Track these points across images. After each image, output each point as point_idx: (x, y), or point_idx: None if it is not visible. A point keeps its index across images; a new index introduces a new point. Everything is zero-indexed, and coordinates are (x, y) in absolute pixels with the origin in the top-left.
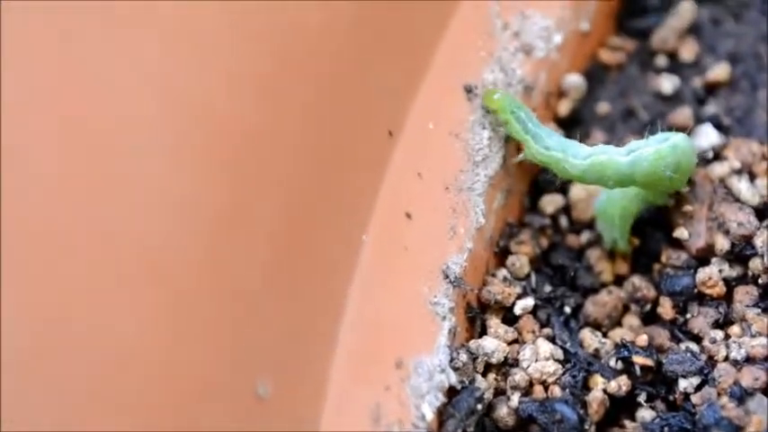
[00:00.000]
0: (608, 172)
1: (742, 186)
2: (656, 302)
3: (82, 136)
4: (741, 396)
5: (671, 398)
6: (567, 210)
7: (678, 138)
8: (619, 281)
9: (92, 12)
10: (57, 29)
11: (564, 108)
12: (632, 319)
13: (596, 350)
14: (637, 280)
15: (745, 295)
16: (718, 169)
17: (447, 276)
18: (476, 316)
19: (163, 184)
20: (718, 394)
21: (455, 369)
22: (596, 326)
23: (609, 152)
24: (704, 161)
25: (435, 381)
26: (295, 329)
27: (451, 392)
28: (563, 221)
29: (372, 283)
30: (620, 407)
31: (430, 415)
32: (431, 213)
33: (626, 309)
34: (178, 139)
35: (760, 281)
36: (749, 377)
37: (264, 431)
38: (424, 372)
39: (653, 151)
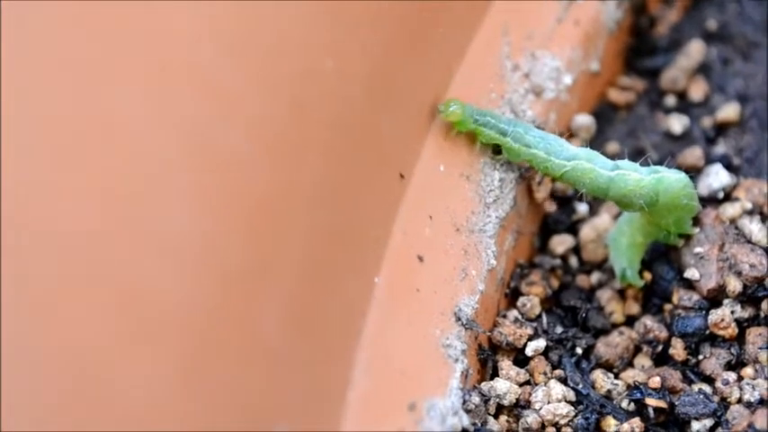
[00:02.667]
0: (585, 179)
1: (754, 227)
2: (667, 343)
3: (95, 175)
4: None
5: None
6: (577, 250)
7: (670, 174)
8: (630, 321)
9: (112, 48)
10: (73, 71)
11: None
12: (644, 360)
13: (608, 392)
14: (648, 321)
15: (757, 337)
16: (730, 210)
17: (459, 318)
18: (487, 357)
19: (178, 233)
20: None
21: (467, 411)
22: (608, 367)
23: (594, 161)
24: (715, 201)
25: (448, 424)
26: (309, 374)
27: None
28: (573, 262)
29: (385, 326)
30: None
31: None
32: (442, 255)
33: (637, 350)
34: (196, 186)
35: None
36: (763, 419)
37: None
38: (437, 414)
39: (635, 178)
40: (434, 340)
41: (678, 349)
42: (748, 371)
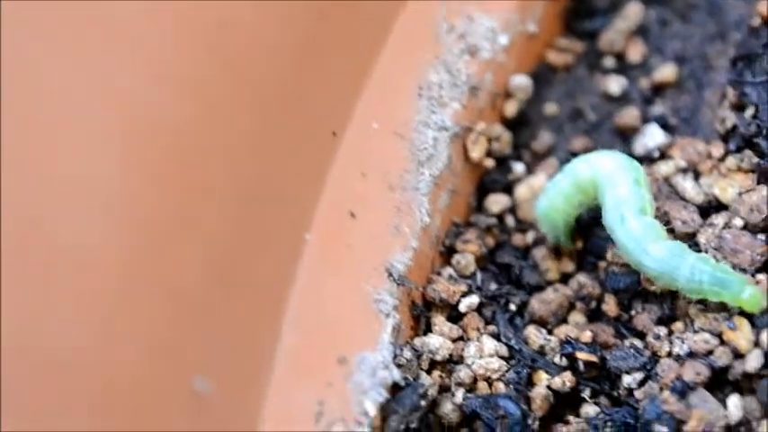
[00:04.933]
0: None
1: (687, 185)
2: (601, 300)
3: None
4: (683, 391)
5: (615, 394)
6: (513, 210)
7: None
8: (565, 279)
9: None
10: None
11: (511, 109)
12: (578, 317)
13: (541, 347)
14: (582, 278)
15: None
16: (663, 168)
17: (391, 275)
18: (420, 314)
19: (97, 181)
20: (661, 389)
21: (399, 366)
22: (541, 323)
23: None
24: (650, 160)
25: (378, 377)
26: (236, 327)
27: (395, 389)
28: (509, 221)
29: (315, 282)
30: (565, 403)
31: (373, 411)
32: (375, 212)
33: (572, 306)
34: (121, 141)
35: None
36: (691, 372)
37: (203, 430)
38: (367, 368)
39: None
40: (366, 296)
41: (611, 305)
42: (678, 325)
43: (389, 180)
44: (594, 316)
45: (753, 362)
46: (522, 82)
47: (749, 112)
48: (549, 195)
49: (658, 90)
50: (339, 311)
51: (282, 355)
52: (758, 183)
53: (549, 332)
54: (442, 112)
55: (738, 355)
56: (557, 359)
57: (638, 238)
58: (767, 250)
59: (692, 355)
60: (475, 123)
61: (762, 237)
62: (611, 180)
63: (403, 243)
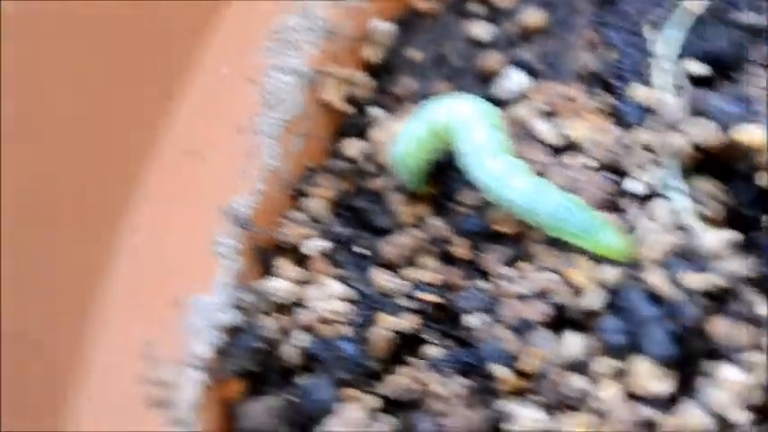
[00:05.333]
0: None
1: (542, 127)
2: (452, 243)
3: None
4: (523, 329)
5: (460, 335)
6: (372, 154)
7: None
8: (420, 223)
9: None
10: None
11: (372, 55)
12: (429, 260)
13: (388, 290)
14: (433, 220)
15: (536, 233)
16: (521, 111)
17: (233, 217)
18: (266, 258)
19: None
20: (502, 328)
21: (239, 308)
22: (391, 267)
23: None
24: (509, 103)
25: (213, 319)
26: (60, 261)
27: (234, 331)
28: (367, 166)
29: (154, 221)
30: (410, 345)
31: (206, 352)
32: (221, 155)
33: (423, 250)
34: None
35: None
36: (532, 311)
37: (28, 366)
38: (202, 310)
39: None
40: (206, 238)
41: (460, 247)
42: (525, 266)
43: (238, 123)
44: (446, 259)
45: (591, 299)
46: (384, 28)
47: (608, 54)
48: (403, 140)
49: (526, 35)
50: (177, 252)
51: (116, 292)
52: (612, 123)
53: (398, 275)
54: (297, 56)
55: (578, 293)
56: (403, 302)
57: (500, 175)
58: (616, 189)
59: (534, 294)
60: (332, 68)
61: (608, 174)
62: (467, 125)
63: (249, 186)
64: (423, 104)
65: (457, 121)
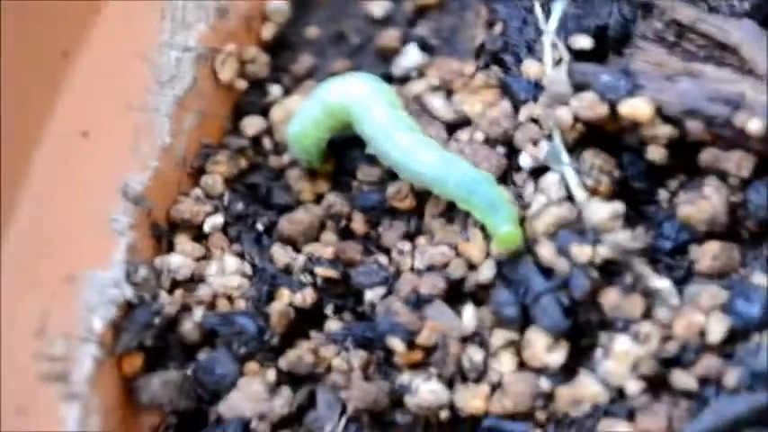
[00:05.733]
0: None
1: (436, 103)
2: (351, 218)
3: None
4: (418, 302)
5: (359, 310)
6: (270, 132)
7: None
8: (319, 200)
9: None
10: None
11: (268, 32)
12: (329, 236)
13: (287, 265)
14: (332, 197)
15: (434, 207)
16: (416, 87)
17: (126, 194)
18: (163, 234)
19: None
20: (400, 302)
21: (134, 284)
22: (290, 242)
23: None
24: (406, 80)
25: (108, 294)
26: None
27: (130, 306)
28: (266, 143)
29: (45, 198)
30: (311, 320)
31: (100, 327)
32: (111, 132)
33: (323, 226)
34: None
35: None
36: (428, 284)
37: None
38: (97, 286)
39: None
40: (99, 215)
41: (359, 223)
42: (422, 240)
43: (128, 100)
44: (345, 235)
45: (485, 272)
46: (278, 6)
47: (498, 28)
48: (299, 120)
49: (422, 12)
50: (70, 229)
51: (6, 268)
52: (505, 99)
53: (297, 251)
54: (187, 34)
55: (473, 267)
56: (302, 277)
57: (409, 150)
58: (509, 164)
59: (430, 268)
60: (224, 45)
61: (501, 149)
62: (364, 106)
63: (141, 163)
64: (319, 83)
65: (352, 101)
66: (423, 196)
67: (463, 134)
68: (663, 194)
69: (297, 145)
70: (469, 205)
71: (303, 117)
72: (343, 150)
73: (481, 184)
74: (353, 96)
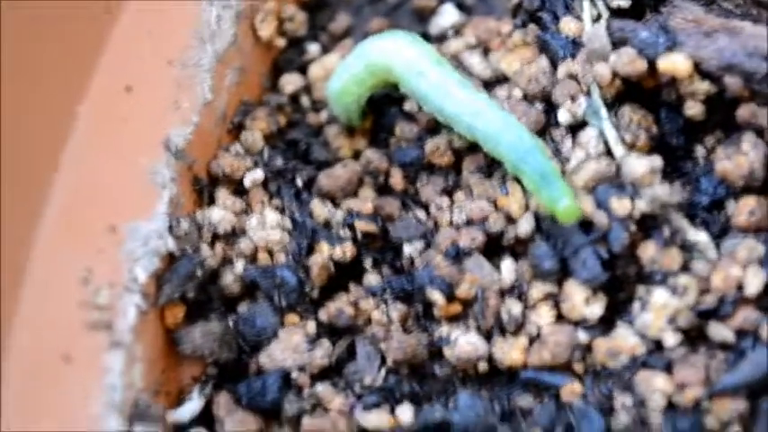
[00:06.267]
0: None
1: (474, 60)
2: (389, 174)
3: None
4: (457, 255)
5: (398, 264)
6: (308, 89)
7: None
8: (357, 156)
9: None
10: None
11: None
12: (367, 192)
13: (327, 220)
14: (370, 153)
15: (472, 164)
16: (453, 45)
17: (168, 148)
18: (204, 188)
19: None
20: (439, 256)
21: (176, 237)
22: (329, 198)
23: None
24: (442, 39)
25: (151, 246)
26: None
27: (172, 259)
28: (304, 101)
29: (88, 152)
30: (350, 274)
31: (143, 278)
32: (153, 87)
33: (361, 182)
34: None
35: None
36: (467, 238)
37: None
38: (140, 237)
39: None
40: (141, 168)
41: (397, 178)
42: (460, 195)
43: (169, 55)
44: (383, 191)
45: (524, 226)
46: None
47: None
48: (340, 77)
49: None
50: (113, 181)
51: (51, 220)
52: (543, 56)
53: (336, 206)
54: None
55: (511, 221)
56: (341, 232)
57: (466, 104)
58: (547, 120)
59: (468, 222)
60: (264, 2)
61: (539, 105)
62: (413, 65)
63: (182, 117)
64: (359, 42)
65: (398, 61)
66: (461, 153)
67: (501, 91)
68: (700, 151)
69: (336, 102)
70: (518, 171)
71: (344, 75)
72: (381, 108)
73: (534, 154)
74: (399, 56)
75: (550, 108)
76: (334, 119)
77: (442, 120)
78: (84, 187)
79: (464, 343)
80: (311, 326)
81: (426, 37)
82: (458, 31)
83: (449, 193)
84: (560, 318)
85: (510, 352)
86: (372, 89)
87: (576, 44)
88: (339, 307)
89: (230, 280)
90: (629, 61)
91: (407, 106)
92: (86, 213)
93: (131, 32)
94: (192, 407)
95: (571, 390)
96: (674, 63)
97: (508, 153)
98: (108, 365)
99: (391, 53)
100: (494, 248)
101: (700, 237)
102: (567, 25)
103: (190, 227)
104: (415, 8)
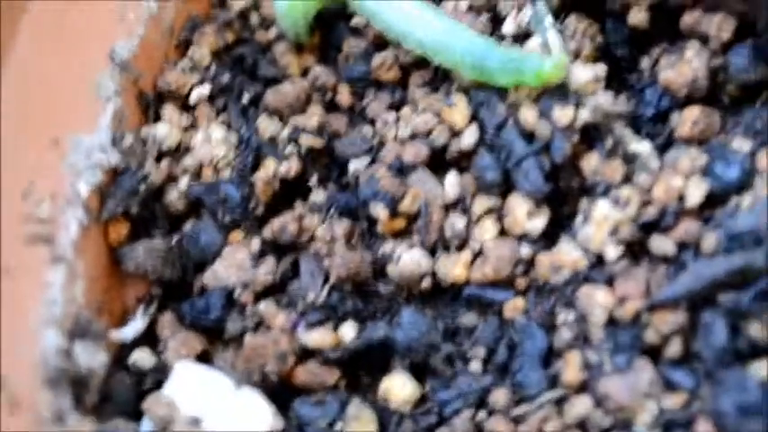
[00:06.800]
0: None
1: None
2: (337, 90)
3: None
4: (401, 169)
5: (344, 181)
6: (257, 6)
7: None
8: (306, 74)
9: None
10: None
11: None
12: (315, 108)
13: (273, 136)
14: (318, 69)
15: (418, 78)
16: None
17: (113, 59)
18: (149, 104)
19: None
20: (383, 171)
21: (121, 152)
22: (277, 114)
23: None
24: None
25: (94, 159)
26: None
27: (116, 174)
28: (253, 18)
29: (31, 64)
30: (295, 189)
31: (85, 191)
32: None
33: (309, 99)
34: None
35: None
36: (411, 152)
37: None
38: (83, 150)
39: None
40: (86, 80)
41: (345, 95)
42: (406, 110)
43: None
44: (331, 108)
45: (468, 138)
46: None
47: None
48: None
49: None
50: (56, 94)
51: None
52: None
53: (284, 123)
54: None
55: (456, 134)
56: (287, 148)
57: (415, 18)
58: (488, 29)
59: (413, 136)
60: None
61: (484, 16)
62: None
63: (128, 29)
64: None
65: None
66: (408, 68)
67: (448, 4)
68: (645, 63)
69: (285, 18)
70: (483, 73)
71: None
72: (329, 24)
73: (491, 49)
74: None
75: (496, 19)
76: (282, 36)
77: (391, 36)
78: (26, 100)
79: (407, 259)
80: (255, 243)
81: None
82: None
83: (396, 108)
84: (503, 233)
85: (453, 268)
86: (320, 3)
87: None
88: (283, 223)
89: (175, 197)
90: None
91: (355, 21)
92: (29, 126)
93: None
94: (135, 326)
95: (514, 306)
96: None
97: (463, 57)
98: (49, 280)
99: None
100: (439, 163)
101: (642, 147)
102: None
103: (134, 141)
104: None
